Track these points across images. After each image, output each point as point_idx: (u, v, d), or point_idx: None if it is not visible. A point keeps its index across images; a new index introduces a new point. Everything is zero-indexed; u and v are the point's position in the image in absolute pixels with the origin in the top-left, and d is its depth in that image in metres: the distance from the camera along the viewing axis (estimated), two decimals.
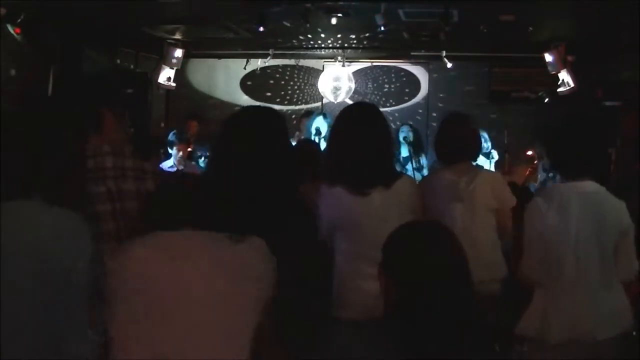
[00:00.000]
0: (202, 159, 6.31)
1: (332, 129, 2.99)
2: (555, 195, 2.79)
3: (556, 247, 2.69)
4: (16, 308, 1.70)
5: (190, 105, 8.37)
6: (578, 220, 2.68)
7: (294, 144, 4.31)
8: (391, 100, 8.62)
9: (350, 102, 8.04)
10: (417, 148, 6.57)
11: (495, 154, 6.84)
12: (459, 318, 1.73)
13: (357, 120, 2.89)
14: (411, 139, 6.58)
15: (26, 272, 1.70)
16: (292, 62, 8.70)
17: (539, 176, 5.96)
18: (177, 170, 5.87)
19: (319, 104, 8.59)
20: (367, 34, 6.99)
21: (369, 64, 8.68)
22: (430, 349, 1.66)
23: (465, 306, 1.74)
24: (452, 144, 3.38)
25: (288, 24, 6.48)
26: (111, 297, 1.69)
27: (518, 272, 2.88)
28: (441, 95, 8.46)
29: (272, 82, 8.78)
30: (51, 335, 1.73)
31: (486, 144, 6.53)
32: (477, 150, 3.59)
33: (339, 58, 8.25)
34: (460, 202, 3.21)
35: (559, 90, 7.17)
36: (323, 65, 8.59)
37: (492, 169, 6.74)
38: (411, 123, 7.47)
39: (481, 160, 6.53)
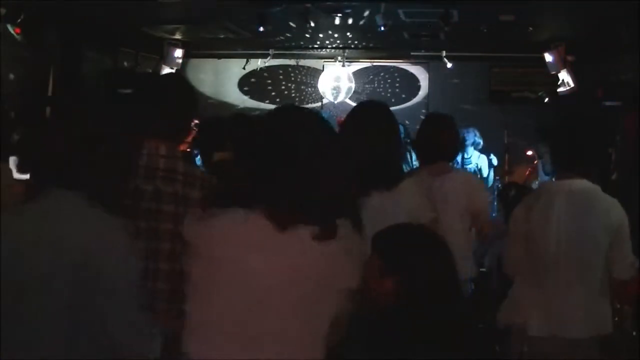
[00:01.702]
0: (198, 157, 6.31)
1: (341, 127, 2.98)
2: (542, 193, 2.82)
3: (537, 244, 2.71)
4: (40, 303, 1.70)
5: None
6: (560, 218, 2.69)
7: None
8: (391, 100, 8.61)
9: (350, 102, 8.06)
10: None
11: (494, 160, 6.82)
12: (459, 315, 1.78)
13: (365, 119, 2.89)
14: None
15: (51, 266, 1.70)
16: (292, 62, 8.70)
17: (539, 178, 5.97)
18: None
19: (319, 104, 8.59)
20: (367, 34, 6.99)
21: (369, 64, 8.68)
22: (437, 344, 1.69)
23: (461, 303, 1.81)
24: (429, 144, 3.41)
25: (288, 24, 6.48)
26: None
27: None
28: (441, 95, 8.46)
29: (272, 82, 8.78)
30: (84, 335, 1.71)
31: (479, 140, 6.55)
32: (455, 151, 3.63)
33: (339, 58, 8.25)
34: (433, 202, 3.22)
35: (559, 90, 7.17)
36: (323, 65, 8.60)
37: (486, 168, 6.75)
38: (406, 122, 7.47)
39: (475, 156, 6.54)
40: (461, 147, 6.06)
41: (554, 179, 3.06)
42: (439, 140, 3.43)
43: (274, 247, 1.57)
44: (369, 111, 2.97)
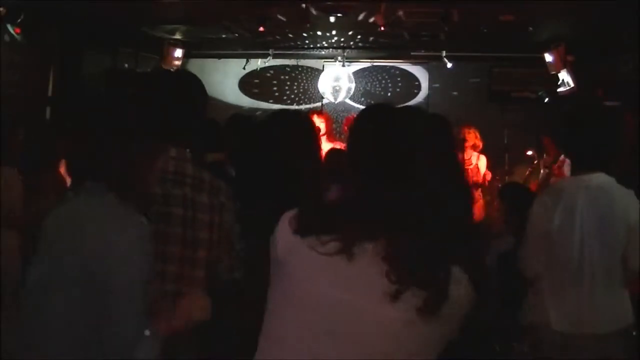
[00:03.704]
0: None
1: (351, 131, 2.98)
2: (561, 191, 2.77)
3: (561, 244, 2.69)
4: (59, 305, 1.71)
5: None
6: (583, 216, 2.67)
7: None
8: (391, 101, 8.61)
9: (350, 102, 8.07)
10: None
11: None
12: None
13: (376, 122, 2.89)
14: None
15: (71, 265, 1.70)
16: (292, 62, 8.70)
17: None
18: None
19: (319, 104, 8.60)
20: (367, 34, 6.99)
21: (369, 64, 8.68)
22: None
23: None
24: None
25: (288, 24, 6.48)
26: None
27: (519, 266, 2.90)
28: (441, 95, 8.46)
29: (272, 82, 8.78)
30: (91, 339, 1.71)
31: (478, 142, 6.52)
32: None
33: (339, 58, 8.25)
34: None
35: (559, 90, 7.18)
36: (323, 65, 8.59)
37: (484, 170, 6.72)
38: None
39: (475, 158, 6.50)
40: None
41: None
42: None
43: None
44: (377, 114, 2.98)
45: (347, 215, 1.38)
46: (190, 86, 2.56)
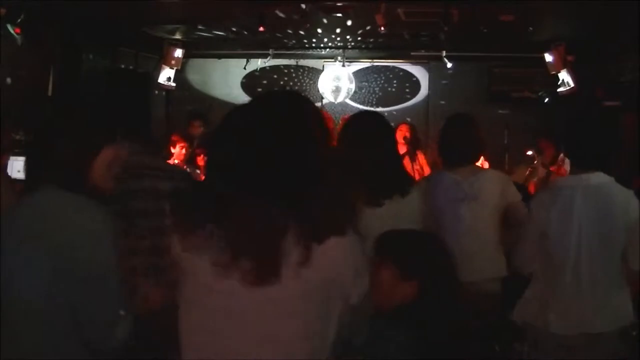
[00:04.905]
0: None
1: (340, 141, 2.95)
2: (560, 190, 2.78)
3: (559, 242, 2.69)
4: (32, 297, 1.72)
5: (190, 106, 8.36)
6: (582, 215, 2.67)
7: None
8: (391, 100, 8.62)
9: (350, 102, 8.06)
10: (414, 147, 6.46)
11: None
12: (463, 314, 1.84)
13: (366, 131, 2.90)
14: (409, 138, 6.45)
15: (43, 259, 1.72)
16: (292, 62, 8.70)
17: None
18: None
19: (319, 104, 8.60)
20: (367, 34, 6.99)
21: (369, 64, 8.68)
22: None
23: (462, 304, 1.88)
24: (455, 146, 3.40)
25: (288, 24, 6.48)
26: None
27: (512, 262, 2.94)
28: (441, 95, 8.46)
29: (272, 82, 8.78)
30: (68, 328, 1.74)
31: None
32: (481, 151, 3.62)
33: (339, 58, 8.25)
34: (466, 201, 3.25)
35: (559, 90, 7.18)
36: (323, 65, 8.59)
37: None
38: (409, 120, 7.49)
39: None
40: None
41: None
42: (465, 141, 3.44)
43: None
44: (366, 123, 2.98)
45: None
46: (141, 83, 2.60)
